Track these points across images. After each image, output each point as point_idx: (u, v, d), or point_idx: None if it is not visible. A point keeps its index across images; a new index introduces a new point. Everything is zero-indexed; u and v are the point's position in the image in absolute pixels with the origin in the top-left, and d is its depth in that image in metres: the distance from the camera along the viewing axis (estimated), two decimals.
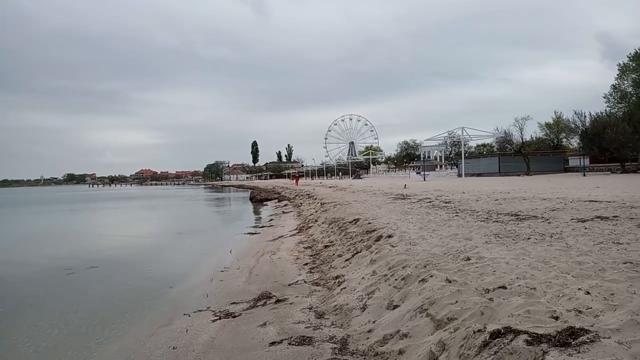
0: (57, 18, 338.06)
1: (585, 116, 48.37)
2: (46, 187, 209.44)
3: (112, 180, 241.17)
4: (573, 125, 52.30)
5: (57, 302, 8.08)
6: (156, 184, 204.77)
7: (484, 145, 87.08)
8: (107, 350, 5.50)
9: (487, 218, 9.30)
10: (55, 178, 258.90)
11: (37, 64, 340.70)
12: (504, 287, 4.18)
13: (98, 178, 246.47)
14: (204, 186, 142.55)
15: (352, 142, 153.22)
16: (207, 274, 9.46)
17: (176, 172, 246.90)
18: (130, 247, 15.46)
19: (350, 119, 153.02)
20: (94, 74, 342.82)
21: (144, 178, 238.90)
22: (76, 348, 5.64)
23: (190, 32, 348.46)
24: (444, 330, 3.76)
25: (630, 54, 47.66)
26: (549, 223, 7.86)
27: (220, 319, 6.08)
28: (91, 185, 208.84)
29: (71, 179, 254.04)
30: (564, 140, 61.57)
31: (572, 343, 2.82)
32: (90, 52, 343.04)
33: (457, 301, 4.12)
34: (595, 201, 11.06)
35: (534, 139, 63.71)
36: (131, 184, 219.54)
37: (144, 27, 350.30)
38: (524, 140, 56.72)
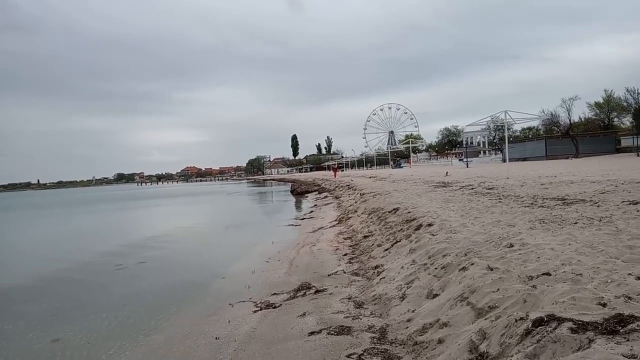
0: (101, 25, 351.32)
1: (638, 93, 45.80)
2: (98, 187, 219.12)
3: (159, 178, 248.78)
4: (625, 104, 49.65)
5: (107, 296, 8.44)
6: (201, 181, 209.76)
7: (529, 129, 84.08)
8: (153, 340, 5.71)
9: (532, 203, 8.97)
10: (106, 178, 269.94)
11: (85, 69, 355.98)
12: (548, 274, 4.02)
13: (146, 176, 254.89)
14: (246, 181, 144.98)
15: (392, 132, 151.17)
16: (249, 266, 9.63)
17: (219, 168, 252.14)
18: (177, 242, 15.93)
19: (390, 108, 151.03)
20: (137, 76, 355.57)
21: (189, 175, 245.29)
22: (124, 339, 5.89)
23: (226, 30, 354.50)
24: (485, 319, 3.66)
25: None
26: (597, 206, 7.49)
27: (261, 309, 6.18)
28: (140, 184, 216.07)
29: (121, 178, 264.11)
30: (616, 119, 58.51)
31: (621, 331, 2.67)
32: (133, 55, 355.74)
33: (498, 289, 3.99)
34: None
35: (583, 119, 60.92)
36: (177, 181, 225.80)
37: (182, 28, 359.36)
38: (572, 121, 54.29)
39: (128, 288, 9.03)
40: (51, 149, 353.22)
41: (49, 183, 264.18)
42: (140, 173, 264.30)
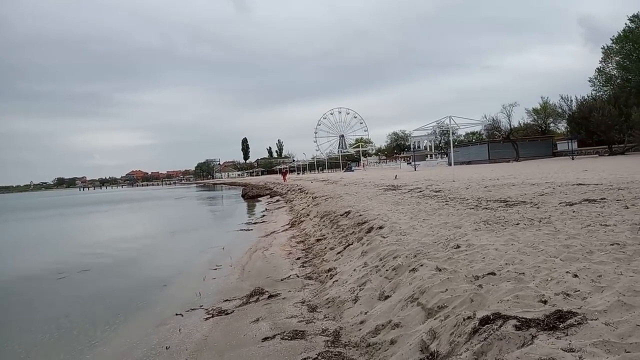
0: (32, 22, 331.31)
1: (571, 100, 48.76)
2: (36, 192, 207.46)
3: (103, 182, 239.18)
4: (560, 110, 52.77)
5: (48, 307, 8.02)
6: (147, 185, 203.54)
7: (472, 134, 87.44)
8: (99, 353, 5.47)
9: (476, 205, 9.33)
10: (46, 183, 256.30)
11: (16, 69, 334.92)
12: (493, 274, 4.20)
13: (89, 181, 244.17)
14: (195, 185, 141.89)
15: (342, 135, 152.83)
16: (200, 273, 9.43)
17: (167, 172, 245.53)
18: (122, 249, 15.31)
19: (340, 112, 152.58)
20: (75, 77, 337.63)
21: (135, 179, 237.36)
22: (68, 351, 5.60)
23: (170, 31, 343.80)
24: (435, 319, 3.77)
25: (613, 36, 47.87)
26: (537, 208, 7.90)
27: (212, 316, 6.07)
28: (82, 189, 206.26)
29: (61, 183, 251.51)
30: (552, 125, 62.04)
31: (560, 326, 2.83)
32: (69, 54, 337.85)
33: (447, 289, 4.13)
34: (583, 184, 11.14)
35: (522, 125, 64.06)
36: (122, 186, 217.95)
37: (122, 27, 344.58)
38: (512, 126, 57.01)
39: (70, 298, 8.61)
40: None
41: None
42: (83, 177, 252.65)
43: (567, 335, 2.71)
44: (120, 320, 6.79)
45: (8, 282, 10.72)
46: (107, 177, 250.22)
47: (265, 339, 4.77)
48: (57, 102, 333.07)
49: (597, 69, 49.50)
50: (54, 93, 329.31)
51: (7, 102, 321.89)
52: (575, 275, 3.75)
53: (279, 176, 75.16)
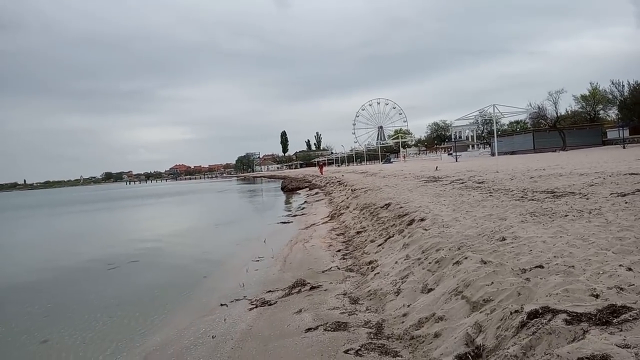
0: (81, 22, 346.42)
1: (623, 85, 46.48)
2: (86, 187, 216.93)
3: (148, 176, 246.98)
4: (610, 96, 50.39)
5: (100, 296, 8.39)
6: (190, 178, 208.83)
7: (517, 122, 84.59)
8: (149, 341, 5.69)
9: (522, 197, 9.07)
10: (94, 177, 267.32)
11: (67, 67, 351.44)
12: (541, 267, 4.09)
13: (134, 175, 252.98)
14: (236, 178, 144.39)
15: (381, 127, 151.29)
16: (243, 264, 9.63)
17: (209, 165, 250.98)
18: (168, 240, 15.82)
19: (378, 103, 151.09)
20: (121, 74, 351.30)
21: (178, 173, 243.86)
22: (120, 339, 5.87)
23: (212, 27, 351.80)
24: (480, 312, 3.71)
25: None
26: (587, 199, 7.60)
27: (256, 307, 6.19)
28: (128, 183, 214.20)
29: (109, 177, 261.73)
30: (602, 112, 59.21)
31: (614, 321, 2.73)
32: (116, 52, 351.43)
33: (492, 282, 4.05)
34: (636, 174, 10.61)
35: (569, 112, 61.49)
36: (166, 180, 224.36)
37: (166, 25, 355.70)
38: (559, 114, 54.81)
39: (121, 288, 8.99)
40: (37, 149, 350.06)
41: (36, 183, 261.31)
42: (129, 172, 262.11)
43: (621, 330, 2.62)
44: (168, 309, 7.05)
45: (63, 271, 11.32)
46: (152, 172, 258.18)
47: (309, 329, 4.83)
48: (103, 99, 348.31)
49: None
50: (101, 90, 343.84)
51: (59, 100, 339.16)
52: (629, 269, 3.60)
53: (317, 169, 75.47)
